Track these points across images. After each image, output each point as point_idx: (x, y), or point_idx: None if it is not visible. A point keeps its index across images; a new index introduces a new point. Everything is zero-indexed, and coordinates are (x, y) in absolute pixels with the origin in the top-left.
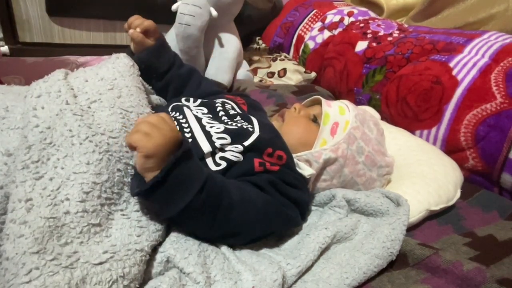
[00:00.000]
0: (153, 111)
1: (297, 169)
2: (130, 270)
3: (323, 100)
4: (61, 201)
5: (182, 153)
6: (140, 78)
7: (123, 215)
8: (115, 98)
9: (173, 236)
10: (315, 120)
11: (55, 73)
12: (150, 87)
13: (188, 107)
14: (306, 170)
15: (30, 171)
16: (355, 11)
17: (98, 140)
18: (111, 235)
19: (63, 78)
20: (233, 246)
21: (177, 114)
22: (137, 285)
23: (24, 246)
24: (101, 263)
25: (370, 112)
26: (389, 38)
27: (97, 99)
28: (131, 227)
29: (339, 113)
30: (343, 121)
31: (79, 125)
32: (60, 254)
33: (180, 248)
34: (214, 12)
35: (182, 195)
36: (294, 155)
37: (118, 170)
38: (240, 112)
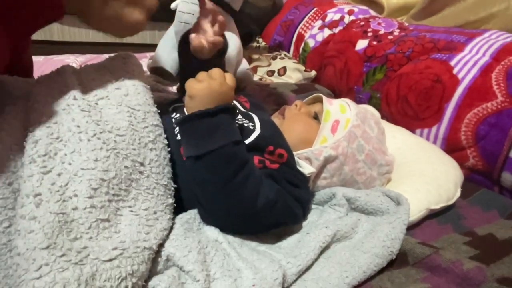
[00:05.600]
0: (158, 111)
1: (298, 167)
2: (138, 267)
3: (324, 98)
4: (69, 197)
5: (225, 107)
6: (146, 75)
7: (132, 211)
8: (122, 96)
9: (173, 234)
10: (316, 117)
11: (61, 68)
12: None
13: None
14: (306, 168)
15: (37, 165)
16: (356, 10)
17: (105, 138)
18: (120, 231)
19: (69, 73)
20: (234, 242)
21: (178, 115)
22: (143, 283)
23: (34, 242)
24: (110, 260)
25: (370, 110)
26: (390, 37)
27: (105, 96)
28: (140, 224)
29: (340, 111)
30: (344, 119)
31: (87, 121)
32: (70, 249)
33: (180, 245)
34: None
35: (218, 137)
36: (294, 153)
37: (126, 167)
38: (242, 110)
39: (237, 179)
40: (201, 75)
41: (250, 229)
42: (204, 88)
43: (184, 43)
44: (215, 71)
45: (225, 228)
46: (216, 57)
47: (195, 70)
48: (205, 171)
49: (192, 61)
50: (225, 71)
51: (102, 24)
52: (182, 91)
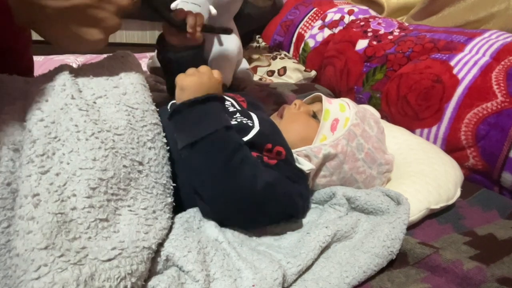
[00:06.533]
0: (157, 109)
1: (297, 164)
2: (137, 267)
3: (324, 97)
4: (68, 197)
5: (214, 96)
6: (146, 75)
7: (131, 211)
8: (121, 95)
9: (172, 234)
10: (315, 116)
11: (59, 67)
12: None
13: None
14: (305, 165)
15: (35, 165)
16: (356, 10)
17: (104, 137)
18: (119, 231)
19: (67, 72)
20: (234, 242)
21: None
22: (143, 283)
23: (32, 242)
24: (109, 260)
25: (370, 110)
26: (390, 37)
27: (103, 95)
28: (139, 224)
29: (339, 110)
30: (343, 118)
31: (85, 120)
32: (69, 250)
33: (180, 245)
34: (214, 11)
35: (209, 123)
36: (293, 151)
37: (124, 166)
38: (240, 108)
39: (233, 162)
40: (190, 70)
41: (251, 219)
42: (194, 80)
43: (162, 41)
44: (203, 67)
45: (226, 220)
46: (192, 53)
47: (174, 67)
48: (200, 158)
49: (172, 59)
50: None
51: (61, 42)
52: (169, 91)
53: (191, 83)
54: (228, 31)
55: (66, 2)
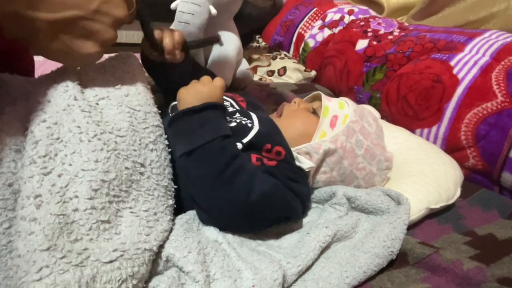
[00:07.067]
0: (159, 111)
1: (297, 162)
2: (139, 269)
3: (323, 95)
4: (70, 198)
5: (211, 104)
6: (147, 76)
7: (132, 212)
8: (123, 96)
9: (172, 235)
10: (315, 113)
11: (61, 68)
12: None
13: None
14: (305, 164)
15: (38, 166)
16: (356, 10)
17: (106, 139)
18: (121, 232)
19: (70, 73)
20: (234, 243)
21: None
22: (144, 285)
23: (34, 244)
24: (111, 262)
25: (369, 109)
26: (390, 37)
27: (105, 96)
28: (140, 225)
29: (338, 107)
30: (342, 115)
31: (88, 122)
32: (70, 251)
33: (180, 246)
34: (214, 10)
35: (206, 132)
36: (293, 148)
37: (126, 168)
38: (239, 108)
39: (228, 172)
40: (191, 82)
41: (249, 225)
42: (187, 90)
43: (143, 54)
44: (203, 77)
45: (224, 227)
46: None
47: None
48: (196, 166)
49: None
50: (213, 76)
51: (53, 55)
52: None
53: (185, 93)
54: (215, 40)
55: (57, 14)
